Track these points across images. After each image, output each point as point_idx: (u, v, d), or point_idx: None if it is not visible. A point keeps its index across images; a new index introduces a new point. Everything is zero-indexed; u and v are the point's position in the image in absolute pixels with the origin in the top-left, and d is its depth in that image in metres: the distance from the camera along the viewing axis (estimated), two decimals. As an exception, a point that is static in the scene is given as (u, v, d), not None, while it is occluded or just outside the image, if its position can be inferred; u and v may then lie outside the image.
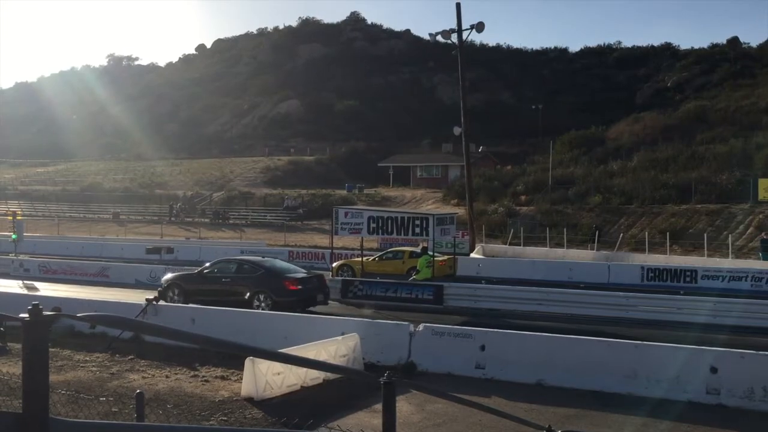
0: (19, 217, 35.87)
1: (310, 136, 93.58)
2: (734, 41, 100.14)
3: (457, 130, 36.68)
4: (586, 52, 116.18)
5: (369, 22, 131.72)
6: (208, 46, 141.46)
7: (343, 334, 12.98)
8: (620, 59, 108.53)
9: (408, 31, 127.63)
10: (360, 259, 25.72)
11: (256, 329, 14.19)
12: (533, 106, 78.10)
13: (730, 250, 33.16)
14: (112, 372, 12.27)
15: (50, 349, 2.51)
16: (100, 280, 27.07)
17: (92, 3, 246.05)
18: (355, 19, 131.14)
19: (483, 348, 12.47)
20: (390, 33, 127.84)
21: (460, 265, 26.29)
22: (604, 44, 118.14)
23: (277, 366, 10.53)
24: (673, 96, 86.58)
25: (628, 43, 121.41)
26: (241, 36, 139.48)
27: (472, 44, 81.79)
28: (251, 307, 18.13)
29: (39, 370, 2.39)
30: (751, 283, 24.31)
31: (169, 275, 21.21)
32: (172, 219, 57.49)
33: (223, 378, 11.80)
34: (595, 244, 37.11)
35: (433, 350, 12.81)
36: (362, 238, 25.26)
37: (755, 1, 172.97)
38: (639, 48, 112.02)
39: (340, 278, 23.26)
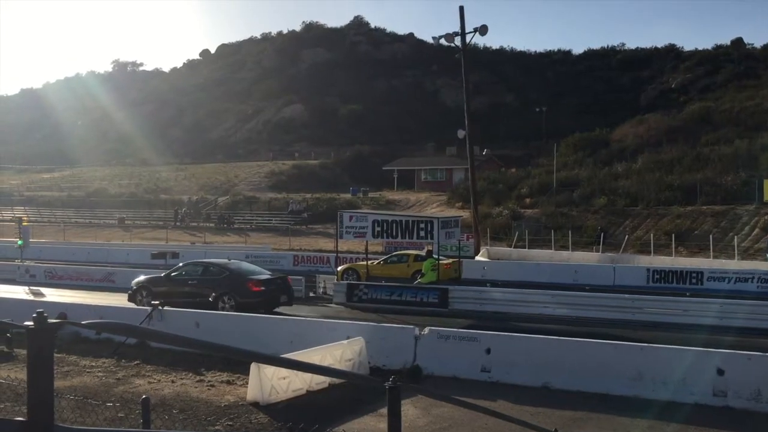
0: (25, 223, 36.04)
1: (314, 140, 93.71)
2: (738, 42, 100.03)
3: (461, 133, 36.73)
4: (590, 54, 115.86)
5: (372, 26, 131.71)
6: (213, 51, 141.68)
7: (348, 338, 13.00)
8: (624, 61, 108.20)
9: (411, 34, 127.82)
10: (365, 262, 25.74)
11: (261, 333, 14.23)
12: (537, 109, 77.96)
13: (736, 252, 33.02)
14: (118, 377, 12.29)
15: (56, 355, 2.52)
16: (106, 286, 27.16)
17: (97, 9, 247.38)
18: (358, 24, 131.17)
19: (488, 351, 12.46)
20: (393, 37, 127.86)
21: (465, 268, 26.24)
22: (607, 46, 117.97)
23: (283, 370, 10.53)
24: (677, 97, 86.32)
25: (631, 44, 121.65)
26: (245, 41, 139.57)
27: (475, 47, 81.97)
28: (216, 309, 18.36)
29: (43, 377, 2.39)
30: (758, 285, 24.20)
31: (141, 277, 21.33)
32: (177, 224, 57.54)
33: (228, 383, 11.81)
34: (601, 246, 37.02)
35: (439, 353, 12.80)
36: (367, 241, 25.31)
37: (759, 1, 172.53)
38: (643, 49, 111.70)
39: (344, 282, 23.29)
